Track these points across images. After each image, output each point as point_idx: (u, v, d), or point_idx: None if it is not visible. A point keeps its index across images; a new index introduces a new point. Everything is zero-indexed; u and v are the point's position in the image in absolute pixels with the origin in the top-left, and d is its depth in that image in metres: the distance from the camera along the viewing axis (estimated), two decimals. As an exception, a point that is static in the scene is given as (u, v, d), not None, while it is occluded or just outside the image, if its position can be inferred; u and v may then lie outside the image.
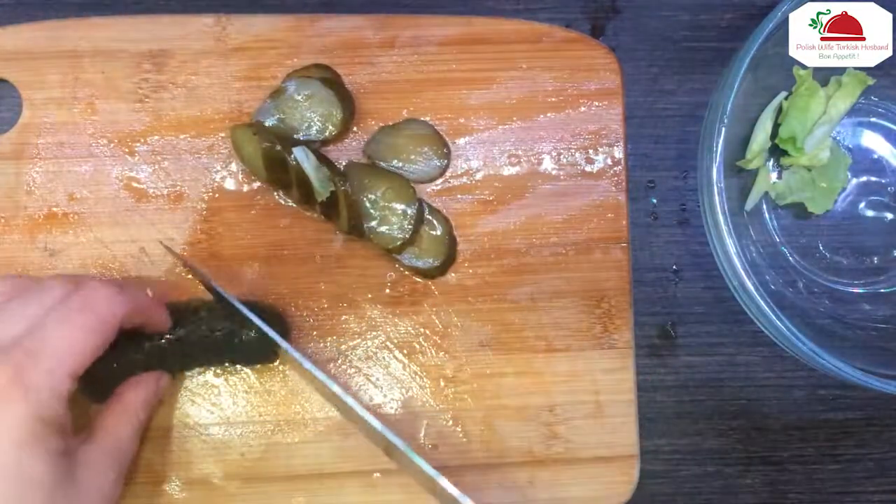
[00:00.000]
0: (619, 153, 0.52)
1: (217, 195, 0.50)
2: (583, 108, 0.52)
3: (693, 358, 0.54)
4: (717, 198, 0.46)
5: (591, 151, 0.52)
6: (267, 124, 0.49)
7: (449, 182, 0.51)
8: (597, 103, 0.52)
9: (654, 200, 0.54)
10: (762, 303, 0.46)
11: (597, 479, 0.50)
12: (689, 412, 0.53)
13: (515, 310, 0.50)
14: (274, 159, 0.47)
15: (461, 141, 0.51)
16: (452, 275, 0.51)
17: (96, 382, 0.45)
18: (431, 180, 0.51)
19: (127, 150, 0.50)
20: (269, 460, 0.48)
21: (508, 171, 0.51)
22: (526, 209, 0.51)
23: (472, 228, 0.51)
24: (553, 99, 0.52)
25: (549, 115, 0.52)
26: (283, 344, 0.46)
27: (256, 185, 0.50)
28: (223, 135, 0.50)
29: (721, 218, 0.46)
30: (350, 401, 0.45)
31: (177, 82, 0.50)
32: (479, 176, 0.51)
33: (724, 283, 0.49)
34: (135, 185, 0.50)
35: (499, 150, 0.51)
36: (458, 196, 0.51)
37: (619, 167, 0.52)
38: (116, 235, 0.49)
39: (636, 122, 0.54)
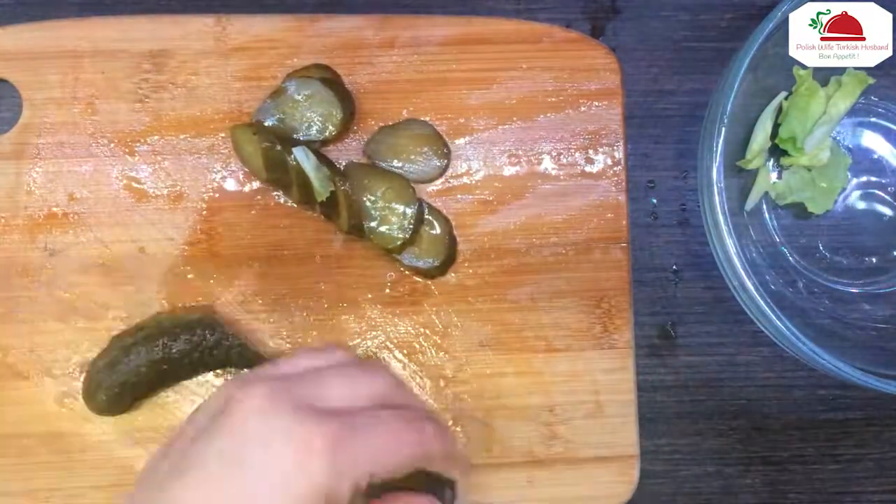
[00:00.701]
0: (619, 153, 0.52)
1: (217, 195, 0.50)
2: (583, 108, 0.52)
3: (693, 358, 0.54)
4: (717, 198, 0.46)
5: (591, 151, 0.52)
6: (267, 124, 0.49)
7: (449, 182, 0.51)
8: (597, 103, 0.52)
9: (654, 200, 0.54)
10: (762, 303, 0.46)
11: (597, 479, 0.50)
12: (689, 412, 0.53)
13: (515, 310, 0.50)
14: (274, 159, 0.47)
15: (461, 141, 0.51)
16: (452, 275, 0.50)
17: (106, 394, 0.46)
18: (431, 180, 0.51)
19: (127, 150, 0.50)
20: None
21: (508, 171, 0.51)
22: (526, 209, 0.51)
23: (472, 228, 0.51)
24: (553, 99, 0.52)
25: (549, 115, 0.52)
26: None
27: (256, 185, 0.50)
28: (223, 135, 0.50)
29: (721, 218, 0.46)
30: None
31: (177, 82, 0.50)
32: (479, 176, 0.51)
33: (724, 283, 0.49)
34: (135, 185, 0.50)
35: (499, 150, 0.51)
36: (458, 196, 0.51)
37: (619, 167, 0.52)
38: (116, 235, 0.49)
39: (636, 122, 0.54)
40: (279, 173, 0.48)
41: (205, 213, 0.50)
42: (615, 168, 0.52)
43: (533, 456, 0.49)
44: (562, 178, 0.51)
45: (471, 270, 0.51)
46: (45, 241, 0.49)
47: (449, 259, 0.50)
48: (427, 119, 0.51)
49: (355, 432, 0.34)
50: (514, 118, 0.52)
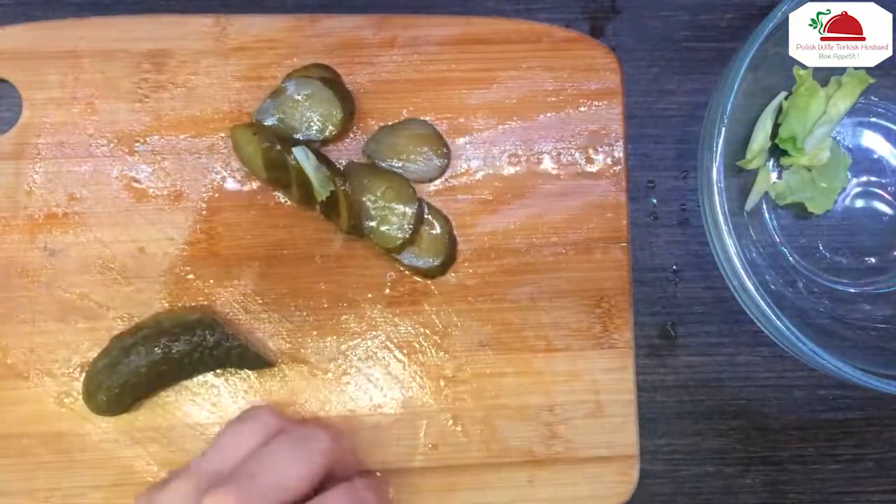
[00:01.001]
0: (619, 153, 0.52)
1: (217, 195, 0.50)
2: (583, 108, 0.52)
3: (693, 358, 0.53)
4: (717, 198, 0.46)
5: (591, 151, 0.52)
6: (267, 124, 0.49)
7: (449, 182, 0.51)
8: (596, 103, 0.52)
9: (654, 200, 0.54)
10: (762, 303, 0.46)
11: (596, 479, 0.50)
12: (689, 412, 0.53)
13: (515, 309, 0.50)
14: (274, 159, 0.47)
15: (461, 141, 0.51)
16: (452, 275, 0.50)
17: (107, 394, 0.46)
18: (431, 180, 0.51)
19: (127, 149, 0.50)
20: (269, 460, 0.48)
21: (508, 171, 0.51)
22: (526, 209, 0.51)
23: (472, 228, 0.51)
24: (553, 99, 0.52)
25: (548, 114, 0.52)
26: None
27: (256, 184, 0.50)
28: (223, 135, 0.50)
29: (721, 218, 0.46)
30: None
31: (176, 82, 0.50)
32: (479, 176, 0.51)
33: (724, 283, 0.49)
34: (135, 184, 0.50)
35: (499, 150, 0.51)
36: (458, 196, 0.51)
37: (619, 167, 0.52)
38: (116, 235, 0.49)
39: (636, 122, 0.54)
40: (279, 173, 0.48)
41: (204, 212, 0.50)
42: (615, 168, 0.52)
43: (533, 455, 0.49)
44: (562, 177, 0.51)
45: (471, 270, 0.51)
46: (45, 241, 0.49)
47: (449, 259, 0.50)
48: (427, 119, 0.51)
49: (257, 469, 0.38)
50: (514, 118, 0.52)
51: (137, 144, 0.50)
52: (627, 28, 0.55)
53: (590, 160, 0.52)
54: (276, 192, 0.50)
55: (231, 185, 0.50)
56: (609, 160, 0.52)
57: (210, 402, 0.49)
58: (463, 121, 0.51)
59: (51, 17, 0.51)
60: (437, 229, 0.50)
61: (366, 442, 0.49)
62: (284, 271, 0.50)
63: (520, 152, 0.51)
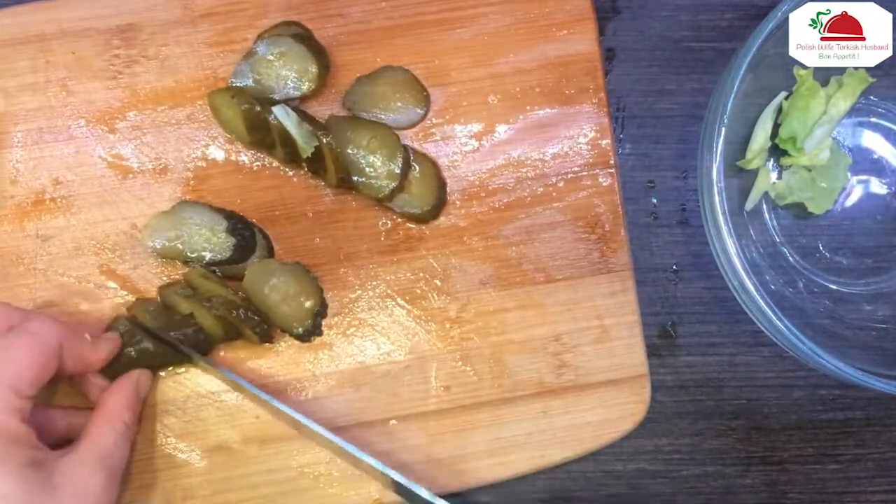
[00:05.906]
0: (598, 76, 0.52)
1: (202, 163, 0.50)
2: (557, 37, 0.52)
3: (693, 358, 0.53)
4: (717, 198, 0.46)
5: (569, 78, 0.52)
6: (243, 87, 0.49)
7: (431, 125, 0.51)
8: (570, 30, 0.52)
9: (654, 200, 0.54)
10: (762, 303, 0.45)
11: (609, 403, 0.50)
12: (689, 412, 0.53)
13: (511, 245, 0.51)
14: (255, 120, 0.47)
15: (439, 83, 0.51)
16: (445, 218, 0.51)
17: (125, 368, 0.46)
18: (414, 125, 0.51)
19: (107, 128, 0.50)
20: (284, 420, 0.49)
21: (489, 108, 0.51)
22: (510, 144, 0.51)
23: (460, 170, 0.51)
24: (525, 31, 0.52)
25: (523, 47, 0.52)
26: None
27: (240, 148, 0.50)
28: (201, 102, 0.50)
29: (721, 218, 0.46)
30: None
31: (148, 55, 0.50)
32: (460, 116, 0.51)
33: (724, 283, 0.49)
34: (119, 162, 0.50)
35: (478, 89, 0.51)
36: (442, 139, 0.51)
37: (599, 89, 0.52)
38: (106, 214, 0.49)
39: (636, 122, 0.54)
40: (262, 134, 0.48)
41: (192, 182, 0.50)
42: (595, 91, 0.52)
43: (544, 386, 0.50)
44: (543, 108, 0.51)
45: (463, 211, 0.51)
46: (36, 228, 0.49)
47: (440, 202, 0.50)
48: (403, 65, 0.51)
49: None
50: (490, 54, 0.51)
51: (117, 122, 0.50)
52: (627, 28, 0.54)
53: (569, 87, 0.52)
54: (261, 154, 0.50)
55: (215, 151, 0.50)
56: (588, 84, 0.51)
57: (220, 369, 0.49)
58: (438, 63, 0.51)
59: (9, 4, 0.50)
60: (425, 173, 0.50)
61: (378, 391, 0.49)
62: (278, 231, 0.50)
63: (498, 88, 0.51)
